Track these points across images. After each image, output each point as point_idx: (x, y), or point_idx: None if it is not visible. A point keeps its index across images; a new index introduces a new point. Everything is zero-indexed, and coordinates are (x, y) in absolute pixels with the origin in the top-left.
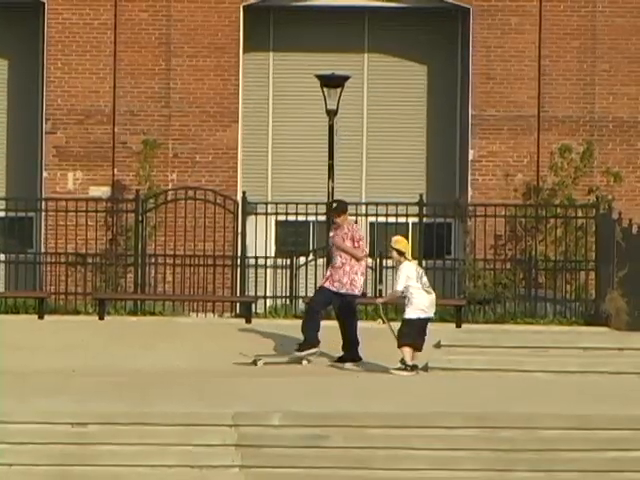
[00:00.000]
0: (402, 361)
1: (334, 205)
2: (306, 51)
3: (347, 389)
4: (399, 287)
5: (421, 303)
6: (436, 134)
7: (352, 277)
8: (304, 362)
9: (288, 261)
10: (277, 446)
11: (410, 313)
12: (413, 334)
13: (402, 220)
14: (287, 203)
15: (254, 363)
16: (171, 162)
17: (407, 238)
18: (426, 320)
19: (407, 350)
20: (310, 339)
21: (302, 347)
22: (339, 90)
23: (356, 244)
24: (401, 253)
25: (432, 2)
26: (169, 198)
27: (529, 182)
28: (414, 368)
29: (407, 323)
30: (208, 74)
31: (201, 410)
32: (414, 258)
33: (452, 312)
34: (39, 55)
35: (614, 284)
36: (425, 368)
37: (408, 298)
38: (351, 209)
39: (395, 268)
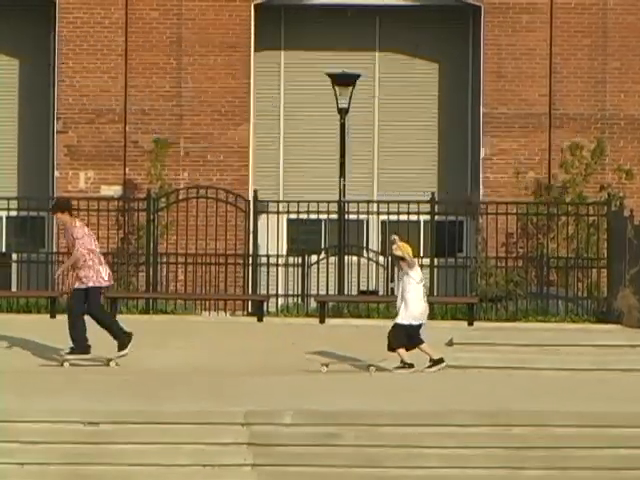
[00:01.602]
0: (402, 361)
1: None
2: (317, 49)
3: (357, 387)
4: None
5: (416, 310)
6: (448, 132)
7: (97, 269)
8: (112, 364)
9: (300, 259)
10: (289, 445)
11: (403, 319)
12: (403, 339)
13: (414, 218)
14: (299, 201)
15: (61, 364)
16: (182, 161)
17: (406, 239)
18: (417, 327)
19: (401, 350)
20: (81, 347)
21: (74, 352)
22: (350, 88)
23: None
24: (403, 259)
25: (443, 0)
26: (180, 197)
27: (540, 180)
28: (412, 366)
29: (397, 327)
30: (219, 73)
31: (213, 409)
32: (425, 257)
33: (464, 310)
34: (50, 54)
35: (626, 281)
36: (440, 361)
37: (405, 302)
38: (362, 207)
39: (402, 271)
